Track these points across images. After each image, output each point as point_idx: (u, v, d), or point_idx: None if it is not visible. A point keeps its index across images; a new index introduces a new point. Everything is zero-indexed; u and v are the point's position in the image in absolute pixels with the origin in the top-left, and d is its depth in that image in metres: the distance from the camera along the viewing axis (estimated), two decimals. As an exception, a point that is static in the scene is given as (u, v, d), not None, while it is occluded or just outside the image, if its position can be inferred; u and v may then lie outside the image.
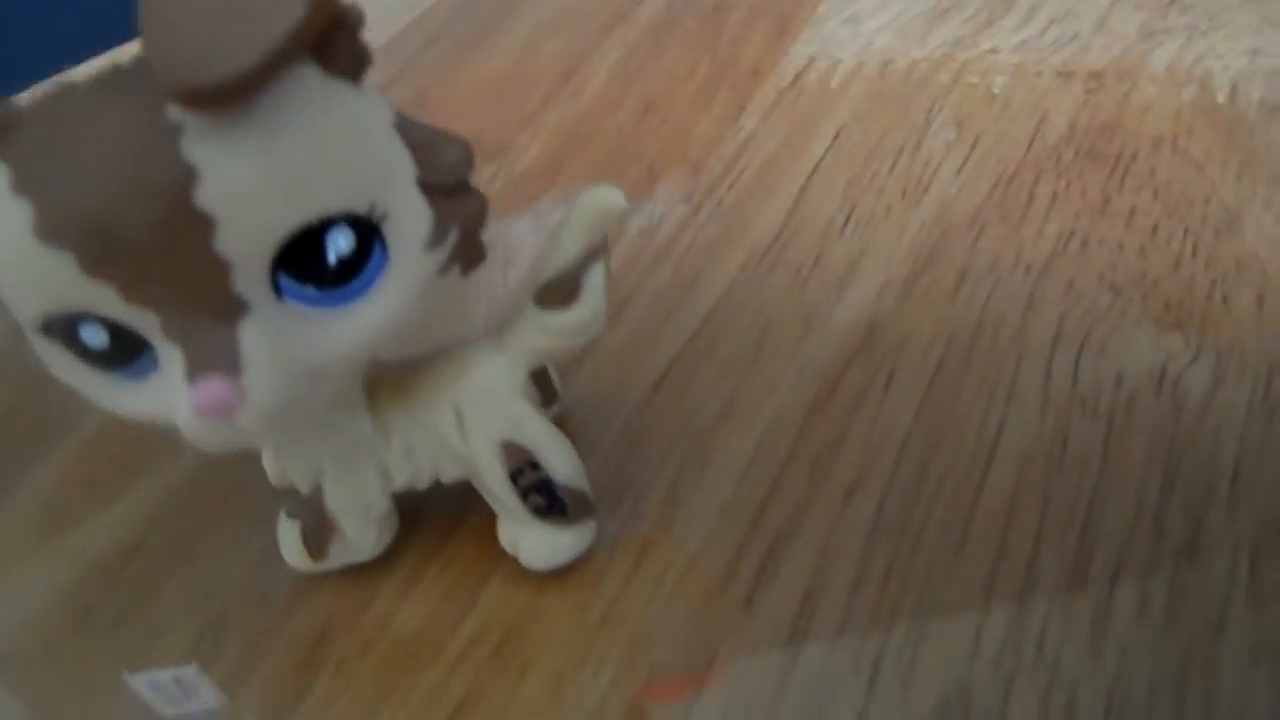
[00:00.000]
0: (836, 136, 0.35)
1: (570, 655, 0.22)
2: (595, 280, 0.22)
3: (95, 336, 0.18)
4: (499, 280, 0.33)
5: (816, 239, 0.31)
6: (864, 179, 0.33)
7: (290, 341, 0.18)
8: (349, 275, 0.19)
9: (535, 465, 0.23)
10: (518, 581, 0.24)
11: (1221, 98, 0.32)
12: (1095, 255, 0.28)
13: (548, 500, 0.23)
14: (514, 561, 0.24)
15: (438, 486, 0.24)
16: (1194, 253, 0.27)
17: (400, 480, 0.23)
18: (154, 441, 0.30)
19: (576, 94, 0.40)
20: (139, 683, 0.23)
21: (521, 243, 0.34)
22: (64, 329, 0.19)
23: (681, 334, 0.29)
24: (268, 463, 0.27)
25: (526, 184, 0.36)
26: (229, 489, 0.28)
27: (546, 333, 0.22)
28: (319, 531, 0.24)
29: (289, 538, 0.25)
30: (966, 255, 0.29)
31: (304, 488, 0.24)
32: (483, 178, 0.25)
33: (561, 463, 0.23)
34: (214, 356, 0.18)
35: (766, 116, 0.37)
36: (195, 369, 0.18)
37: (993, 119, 0.34)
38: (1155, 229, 0.28)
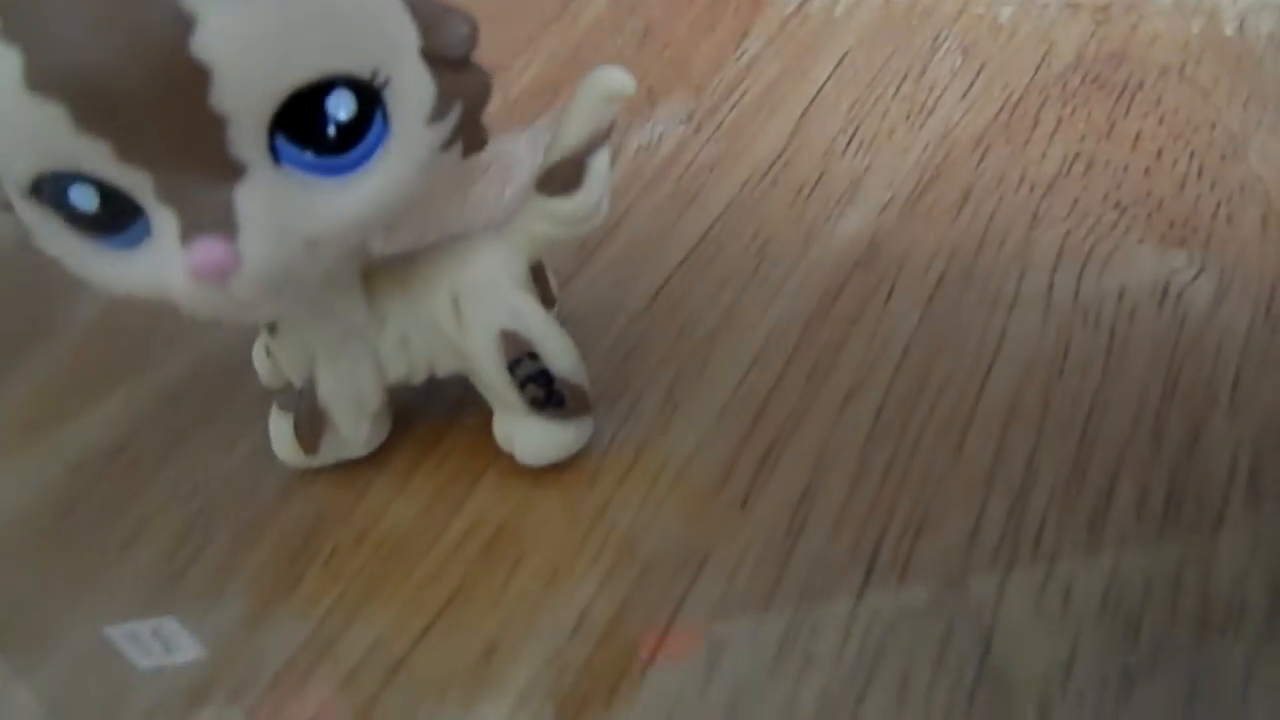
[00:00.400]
0: (840, 62, 0.34)
1: (564, 550, 0.22)
2: (599, 166, 0.22)
3: (86, 199, 0.18)
4: (496, 197, 0.32)
5: (819, 158, 0.31)
6: (868, 102, 0.32)
7: (287, 209, 0.18)
8: (349, 143, 0.18)
9: (534, 356, 0.22)
10: (511, 478, 0.24)
11: (1230, 30, 0.32)
12: (1100, 176, 0.28)
13: (545, 392, 0.22)
14: (508, 459, 0.24)
15: (432, 384, 0.24)
16: (1199, 175, 0.27)
17: (395, 373, 0.23)
18: (140, 344, 0.30)
19: (575, 18, 0.40)
20: (116, 634, 0.23)
21: (520, 160, 0.34)
22: (53, 191, 0.18)
23: (680, 247, 0.29)
24: (258, 361, 0.27)
25: (524, 105, 0.36)
26: (218, 390, 0.28)
27: (549, 220, 0.22)
28: (311, 425, 0.24)
29: (281, 432, 0.24)
30: (971, 174, 0.29)
31: (297, 379, 0.23)
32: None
33: (561, 354, 0.22)
34: (209, 218, 0.18)
35: (770, 42, 0.36)
36: (190, 230, 0.18)
37: (999, 47, 0.33)
38: (1160, 152, 0.28)
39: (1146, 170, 0.28)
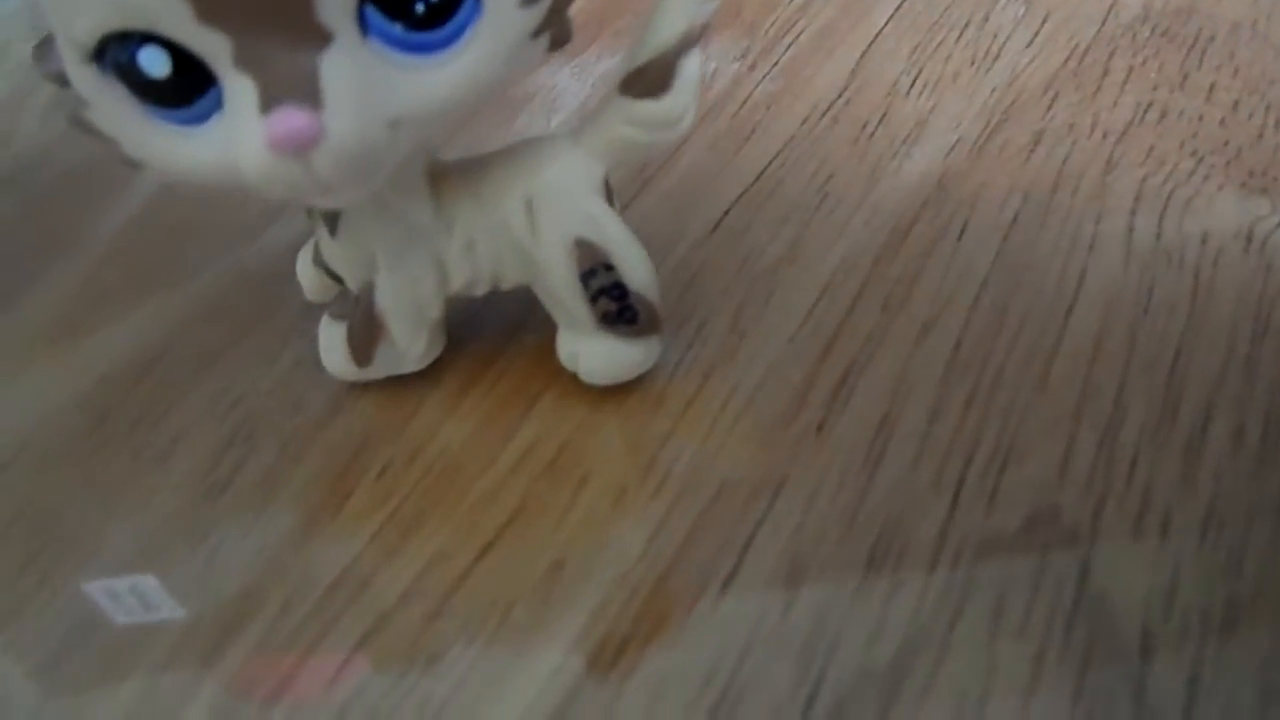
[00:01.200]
0: (899, 7, 0.34)
1: (630, 472, 0.21)
2: (690, 69, 0.21)
3: (156, 63, 0.17)
4: (541, 129, 0.31)
5: (881, 98, 0.30)
6: (929, 46, 0.32)
7: (372, 84, 0.17)
8: (440, 19, 0.17)
9: (608, 268, 0.21)
10: (571, 400, 0.23)
11: (1299, -11, 0.31)
12: (1175, 125, 0.27)
13: (618, 307, 0.22)
14: (567, 382, 0.23)
15: (488, 301, 0.23)
16: (1276, 126, 0.27)
17: (458, 281, 0.22)
18: (171, 257, 0.29)
19: (623, -44, 0.39)
20: (94, 590, 0.21)
21: (564, 91, 0.33)
22: (120, 55, 0.17)
23: (740, 180, 0.28)
24: (303, 274, 0.26)
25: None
26: (256, 304, 0.27)
27: (633, 123, 0.21)
28: (366, 333, 0.23)
29: (332, 342, 0.23)
30: (1041, 119, 0.28)
31: (354, 285, 0.22)
32: None
33: (638, 266, 0.21)
34: (292, 87, 0.17)
35: (824, -14, 0.35)
36: (270, 99, 0.16)
37: (1062, -1, 0.33)
38: (1236, 104, 0.28)
39: (1222, 120, 0.27)
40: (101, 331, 0.27)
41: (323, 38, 0.16)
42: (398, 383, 0.24)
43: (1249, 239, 0.24)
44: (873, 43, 0.32)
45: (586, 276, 0.21)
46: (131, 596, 0.21)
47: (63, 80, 0.19)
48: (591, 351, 0.22)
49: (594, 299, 0.22)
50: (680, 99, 0.21)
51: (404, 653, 0.19)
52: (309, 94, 0.17)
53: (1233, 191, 0.25)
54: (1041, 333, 0.22)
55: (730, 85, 0.31)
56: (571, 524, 0.21)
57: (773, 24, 0.34)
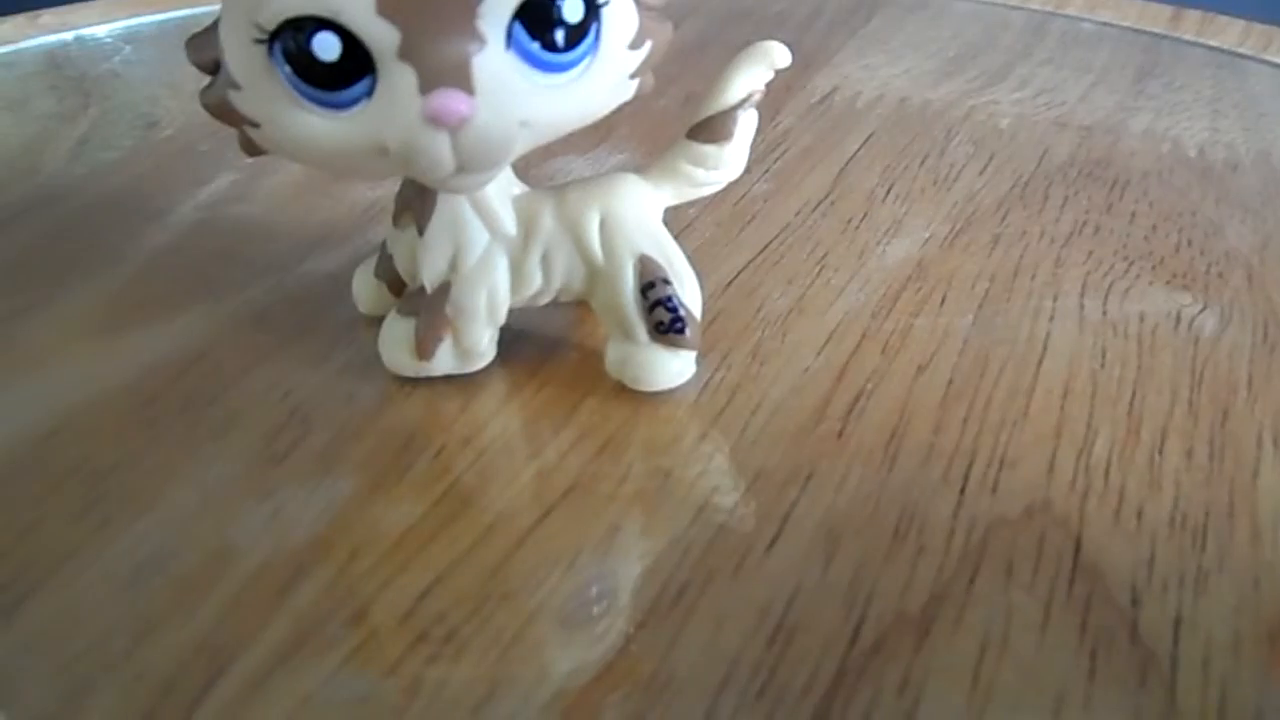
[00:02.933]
0: (867, 139, 0.39)
1: (674, 459, 0.24)
2: (746, 124, 0.25)
3: (328, 47, 0.20)
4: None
5: (862, 202, 0.35)
6: (897, 168, 0.37)
7: (510, 87, 0.20)
8: (569, 45, 0.21)
9: (666, 282, 0.25)
10: (614, 405, 0.26)
11: (1193, 154, 0.38)
12: (1108, 238, 0.33)
13: (671, 317, 0.25)
14: (610, 389, 0.26)
15: (535, 318, 0.26)
16: (1189, 244, 0.32)
17: (529, 289, 0.25)
18: (217, 269, 0.31)
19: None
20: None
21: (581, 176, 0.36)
22: (296, 38, 0.20)
23: (746, 251, 0.32)
24: (360, 286, 0.28)
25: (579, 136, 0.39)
26: (303, 315, 0.29)
27: (696, 163, 0.25)
28: (434, 328, 0.25)
29: (396, 337, 0.26)
30: (998, 226, 0.33)
31: (431, 283, 0.25)
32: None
33: (691, 285, 0.25)
34: (450, 74, 0.20)
35: (801, 119, 0.41)
36: (430, 82, 0.20)
37: (1002, 145, 0.39)
38: (1154, 227, 0.33)
39: (1145, 237, 0.33)
40: (144, 331, 0.29)
41: (478, 40, 0.20)
42: (446, 384, 0.26)
43: (1178, 319, 0.29)
44: (848, 163, 0.38)
45: (647, 288, 0.25)
46: (199, 542, 0.22)
47: (212, 68, 0.22)
48: (639, 359, 0.25)
49: (651, 309, 0.25)
50: (738, 146, 0.25)
51: (476, 591, 0.21)
52: (463, 82, 0.20)
53: (1161, 286, 0.30)
54: (1019, 375, 0.26)
55: (728, 186, 0.36)
56: (624, 497, 0.23)
57: (759, 142, 0.39)
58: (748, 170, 0.36)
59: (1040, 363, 0.27)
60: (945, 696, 0.19)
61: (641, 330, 0.25)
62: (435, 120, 0.20)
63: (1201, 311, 0.29)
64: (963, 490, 0.23)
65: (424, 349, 0.25)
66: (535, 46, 0.21)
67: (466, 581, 0.21)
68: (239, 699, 0.19)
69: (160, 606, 0.20)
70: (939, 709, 0.18)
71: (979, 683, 0.19)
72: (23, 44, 0.47)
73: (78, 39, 0.48)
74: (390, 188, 0.26)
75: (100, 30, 0.49)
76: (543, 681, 0.19)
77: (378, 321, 0.26)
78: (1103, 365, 0.27)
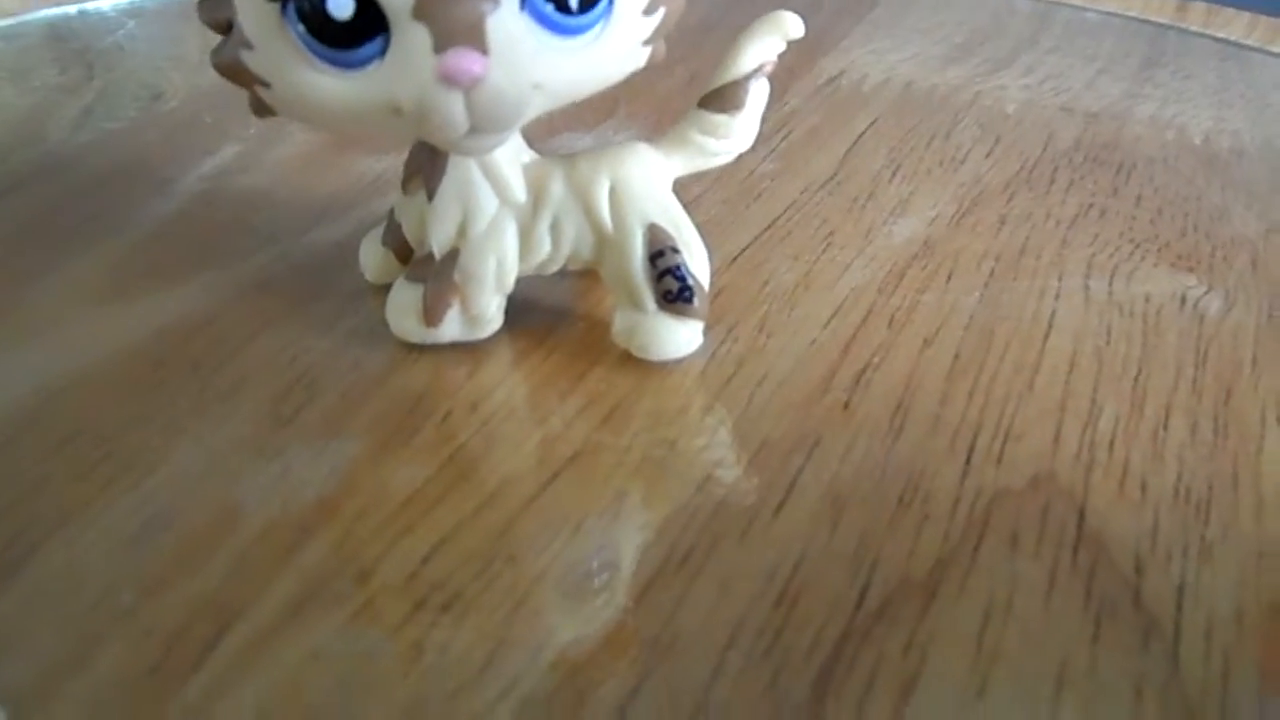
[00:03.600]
0: (874, 122, 0.39)
1: (681, 429, 0.24)
2: (758, 94, 0.25)
3: (342, 6, 0.20)
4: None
5: (868, 182, 0.35)
6: (903, 151, 0.37)
7: (524, 48, 0.20)
8: (584, 8, 0.21)
9: (675, 250, 0.25)
10: (620, 374, 0.26)
11: (1198, 141, 0.38)
12: (1113, 221, 0.33)
13: (680, 286, 0.25)
14: (617, 359, 0.26)
15: (542, 287, 0.26)
16: (1195, 229, 0.32)
17: (537, 256, 0.25)
18: (223, 238, 0.31)
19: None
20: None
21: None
22: (310, -3, 0.20)
23: (752, 228, 0.32)
24: (367, 255, 0.28)
25: (582, 111, 0.39)
26: (310, 283, 0.29)
27: (706, 133, 0.25)
28: (442, 294, 0.25)
29: (405, 302, 0.26)
30: (1004, 208, 0.33)
31: (440, 249, 0.25)
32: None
33: (699, 254, 0.25)
34: (464, 34, 0.20)
35: (807, 100, 0.41)
36: (444, 42, 0.20)
37: (1009, 129, 0.39)
38: (1160, 211, 0.33)
39: (1150, 221, 0.33)
40: (149, 298, 0.29)
41: (492, 0, 0.20)
42: (453, 350, 0.26)
43: (1183, 300, 0.29)
44: (855, 144, 0.38)
45: (654, 257, 0.25)
46: (206, 499, 0.22)
47: (224, 28, 0.22)
48: (646, 328, 0.25)
49: (659, 278, 0.25)
50: (749, 116, 0.25)
51: (482, 553, 0.21)
52: (477, 42, 0.20)
53: (1165, 269, 0.30)
54: (1024, 350, 0.26)
55: (734, 163, 0.36)
56: (629, 464, 0.23)
57: (765, 121, 0.39)
58: (753, 149, 0.36)
59: (1046, 339, 0.27)
60: (949, 660, 0.19)
61: (649, 299, 0.25)
62: (449, 79, 0.20)
63: (1206, 293, 0.29)
64: (968, 461, 0.23)
65: (432, 315, 0.25)
66: (549, 9, 0.21)
67: (472, 544, 0.21)
68: (245, 653, 0.19)
69: (167, 563, 0.20)
70: (943, 672, 0.18)
71: (983, 647, 0.19)
72: (25, 16, 0.47)
73: (81, 12, 0.48)
74: (396, 160, 0.26)
75: (104, 3, 0.49)
76: (547, 644, 0.19)
77: (385, 290, 0.26)
78: (1108, 343, 0.27)
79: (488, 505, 0.22)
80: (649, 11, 0.22)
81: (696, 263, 0.25)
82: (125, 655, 0.19)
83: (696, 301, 0.25)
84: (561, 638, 0.19)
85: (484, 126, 0.21)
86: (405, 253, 0.27)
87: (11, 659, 0.19)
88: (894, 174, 0.35)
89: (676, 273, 0.25)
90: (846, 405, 0.25)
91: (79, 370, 0.26)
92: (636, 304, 0.25)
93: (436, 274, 0.25)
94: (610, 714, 0.18)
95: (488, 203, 0.24)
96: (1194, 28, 0.49)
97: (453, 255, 0.25)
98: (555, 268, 0.25)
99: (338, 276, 0.29)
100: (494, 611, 0.20)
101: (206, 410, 0.25)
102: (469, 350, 0.26)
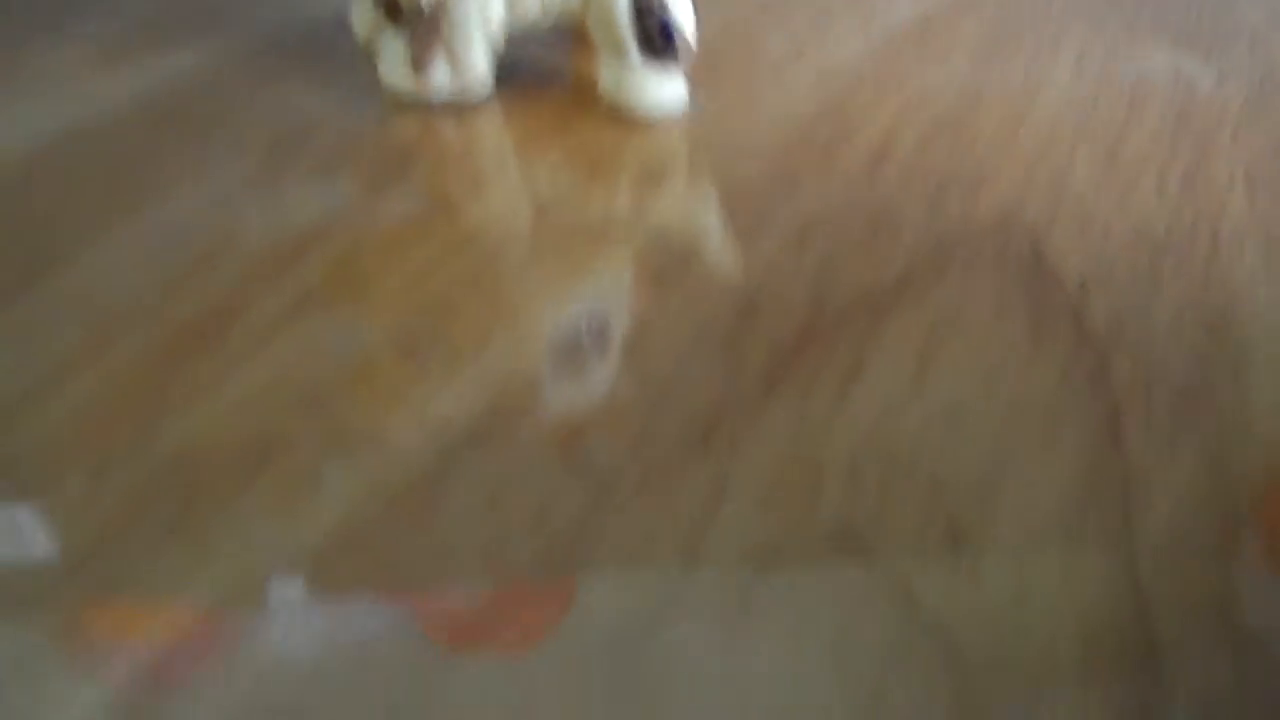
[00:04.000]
0: None
1: (666, 172, 0.25)
2: None
3: None
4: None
5: None
6: None
7: None
8: None
9: (662, 7, 0.25)
10: (609, 127, 0.26)
11: None
12: (1118, 4, 0.32)
13: (664, 38, 0.25)
14: (604, 113, 0.26)
15: (535, 49, 0.26)
16: (1197, 17, 0.32)
17: (528, 13, 0.25)
18: (220, 4, 0.31)
19: None
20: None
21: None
22: None
23: (744, 5, 0.32)
24: (358, 16, 0.28)
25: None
26: (308, 47, 0.30)
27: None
28: (428, 38, 0.26)
29: (395, 52, 0.26)
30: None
31: (428, 3, 0.25)
32: None
33: (683, 11, 0.25)
34: None
35: None
36: None
37: None
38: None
39: (1155, 5, 0.32)
40: (154, 56, 0.29)
41: None
42: (443, 108, 0.27)
43: (1176, 76, 0.29)
44: None
45: (641, 10, 0.25)
46: (198, 241, 0.23)
47: None
48: (631, 82, 0.26)
49: (643, 26, 0.25)
50: None
51: (473, 271, 0.22)
52: None
53: (1164, 49, 0.30)
54: (1009, 113, 0.27)
55: None
56: (614, 206, 0.24)
57: None
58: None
59: (1032, 104, 0.27)
60: (893, 359, 0.20)
61: (634, 50, 0.25)
62: None
63: (1200, 70, 0.29)
64: (940, 201, 0.24)
65: (419, 62, 0.26)
66: None
67: (462, 266, 0.22)
68: (252, 343, 0.20)
69: (181, 272, 0.22)
70: (886, 369, 0.19)
71: (926, 351, 0.20)
72: None
73: None
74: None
75: None
76: (530, 336, 0.20)
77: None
78: (1094, 108, 0.27)
79: (477, 237, 0.23)
80: None
81: (681, 17, 0.25)
82: (145, 345, 0.20)
83: (679, 43, 0.25)
84: (541, 335, 0.20)
85: None
86: (394, 10, 0.27)
87: (33, 352, 0.20)
88: None
89: (660, 21, 0.25)
90: (827, 154, 0.25)
91: (87, 120, 0.27)
92: (621, 55, 0.26)
93: (425, 23, 0.26)
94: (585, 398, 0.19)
95: (477, -51, 0.25)
96: None
97: (441, 6, 0.25)
98: (547, 25, 0.26)
99: (336, 41, 0.30)
100: (481, 317, 0.21)
101: (209, 154, 0.26)
102: (458, 108, 0.27)
